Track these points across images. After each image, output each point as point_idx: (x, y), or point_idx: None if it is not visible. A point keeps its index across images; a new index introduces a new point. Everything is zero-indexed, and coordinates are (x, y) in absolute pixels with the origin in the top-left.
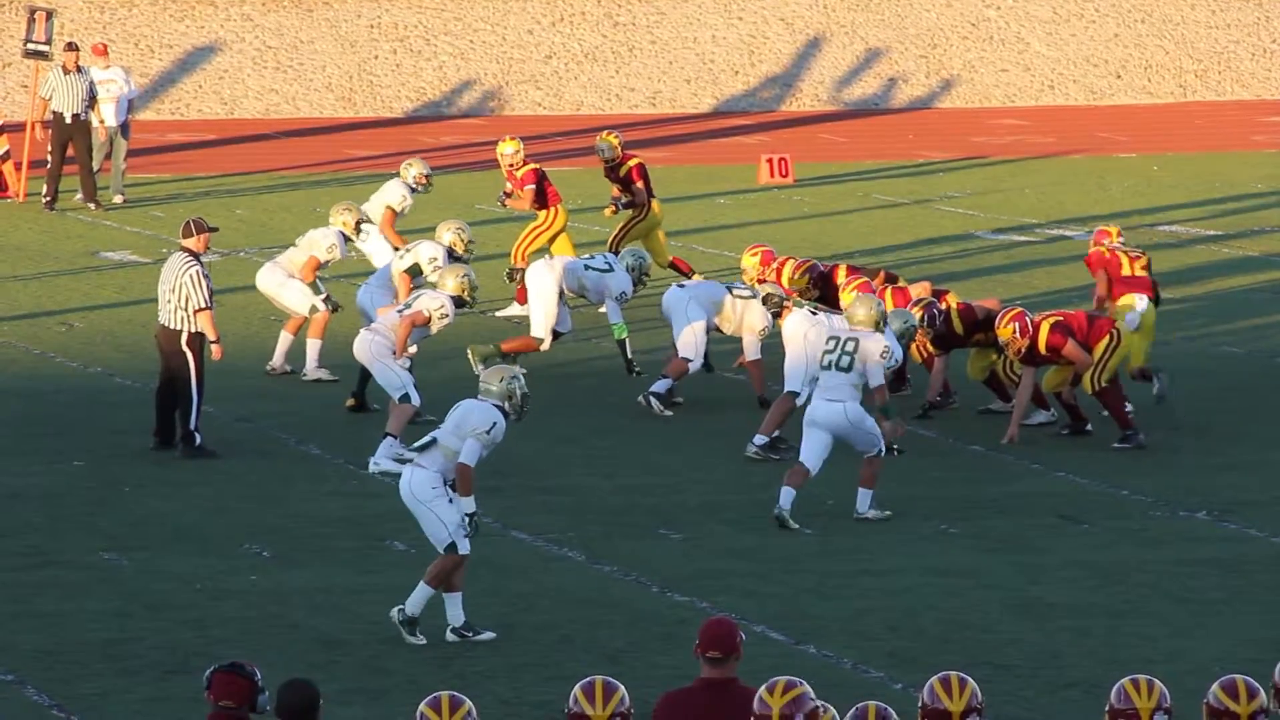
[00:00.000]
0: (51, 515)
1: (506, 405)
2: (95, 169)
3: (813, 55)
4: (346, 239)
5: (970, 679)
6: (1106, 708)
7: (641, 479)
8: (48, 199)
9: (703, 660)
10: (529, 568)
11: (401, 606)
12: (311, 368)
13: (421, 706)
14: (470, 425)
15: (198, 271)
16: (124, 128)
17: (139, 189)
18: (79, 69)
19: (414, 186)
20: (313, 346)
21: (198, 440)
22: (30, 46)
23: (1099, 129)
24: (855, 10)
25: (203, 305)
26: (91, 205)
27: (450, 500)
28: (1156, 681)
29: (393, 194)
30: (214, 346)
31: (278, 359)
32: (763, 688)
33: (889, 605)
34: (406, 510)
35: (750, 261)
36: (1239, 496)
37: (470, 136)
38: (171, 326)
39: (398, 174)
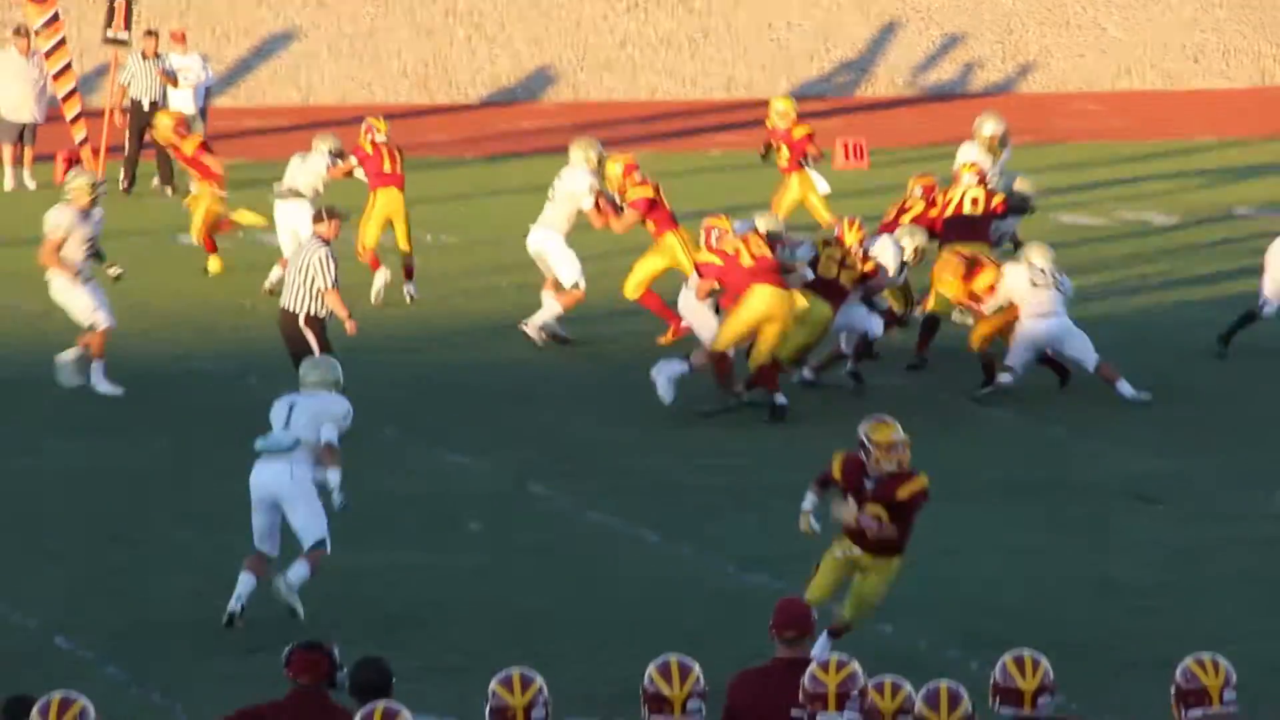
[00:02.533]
0: (131, 495)
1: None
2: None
3: (888, 40)
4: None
5: (1043, 658)
6: (1173, 688)
7: (715, 460)
8: (125, 184)
9: (778, 640)
10: (603, 549)
11: (285, 584)
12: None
13: (493, 684)
14: (330, 415)
15: (326, 254)
16: (201, 113)
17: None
18: (157, 55)
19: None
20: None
21: None
22: (110, 34)
23: (1175, 114)
24: None
25: (328, 285)
26: (168, 190)
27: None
28: (1222, 659)
29: None
30: (348, 324)
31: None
32: (814, 665)
33: (965, 585)
34: (480, 492)
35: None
36: None
37: (545, 122)
38: (290, 309)
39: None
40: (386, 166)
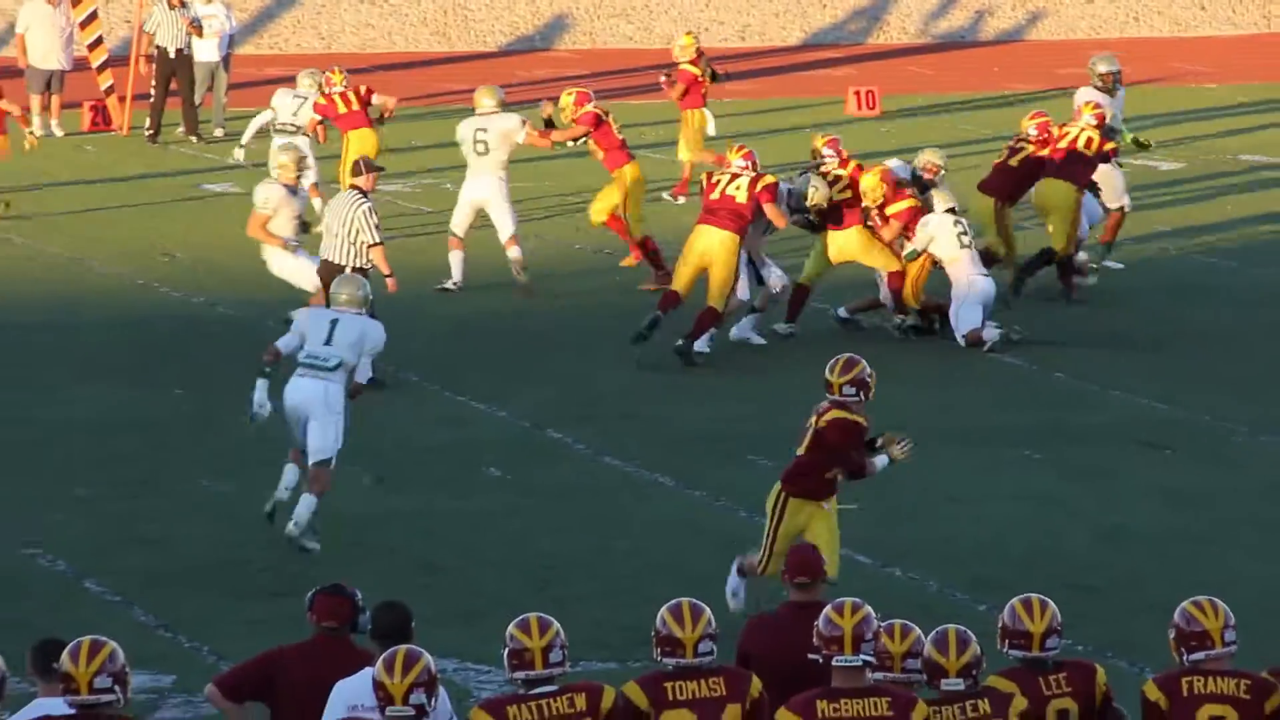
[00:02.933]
0: (156, 442)
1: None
2: (197, 103)
3: None
4: None
5: (1051, 601)
6: (1173, 631)
7: (730, 408)
8: (150, 132)
9: (790, 585)
10: (621, 494)
11: (295, 525)
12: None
13: (511, 628)
14: (370, 344)
15: (368, 208)
16: (225, 62)
17: (239, 122)
18: (183, 4)
19: None
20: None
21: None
22: None
23: (1182, 60)
24: None
25: (375, 240)
26: (193, 138)
27: None
28: (1220, 602)
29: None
30: (389, 280)
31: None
32: (829, 608)
33: (973, 530)
34: (499, 438)
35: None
36: None
37: (563, 70)
38: (336, 261)
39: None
40: (341, 108)
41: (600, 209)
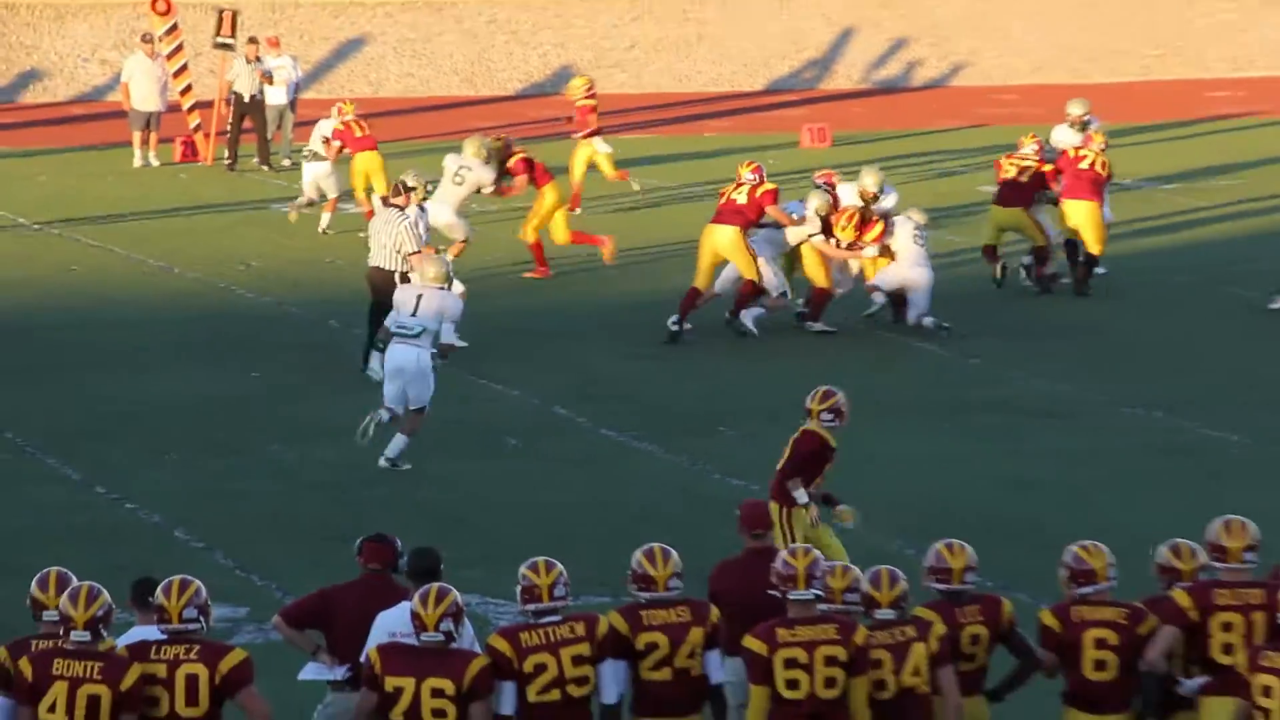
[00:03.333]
0: (234, 415)
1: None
2: (268, 138)
3: (846, 43)
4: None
5: (967, 544)
6: (1064, 570)
7: (708, 386)
8: (229, 162)
9: (747, 535)
10: (615, 458)
11: (388, 456)
12: None
13: (523, 568)
14: (451, 314)
15: (409, 224)
16: (292, 105)
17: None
18: (258, 59)
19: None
20: None
21: None
22: (219, 40)
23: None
24: (880, 7)
25: (414, 249)
26: (265, 168)
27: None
28: (1102, 545)
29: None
30: None
31: None
32: (783, 552)
33: (902, 487)
34: (515, 413)
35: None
36: (1184, 396)
37: (567, 111)
38: (386, 268)
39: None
40: (358, 133)
41: (553, 229)
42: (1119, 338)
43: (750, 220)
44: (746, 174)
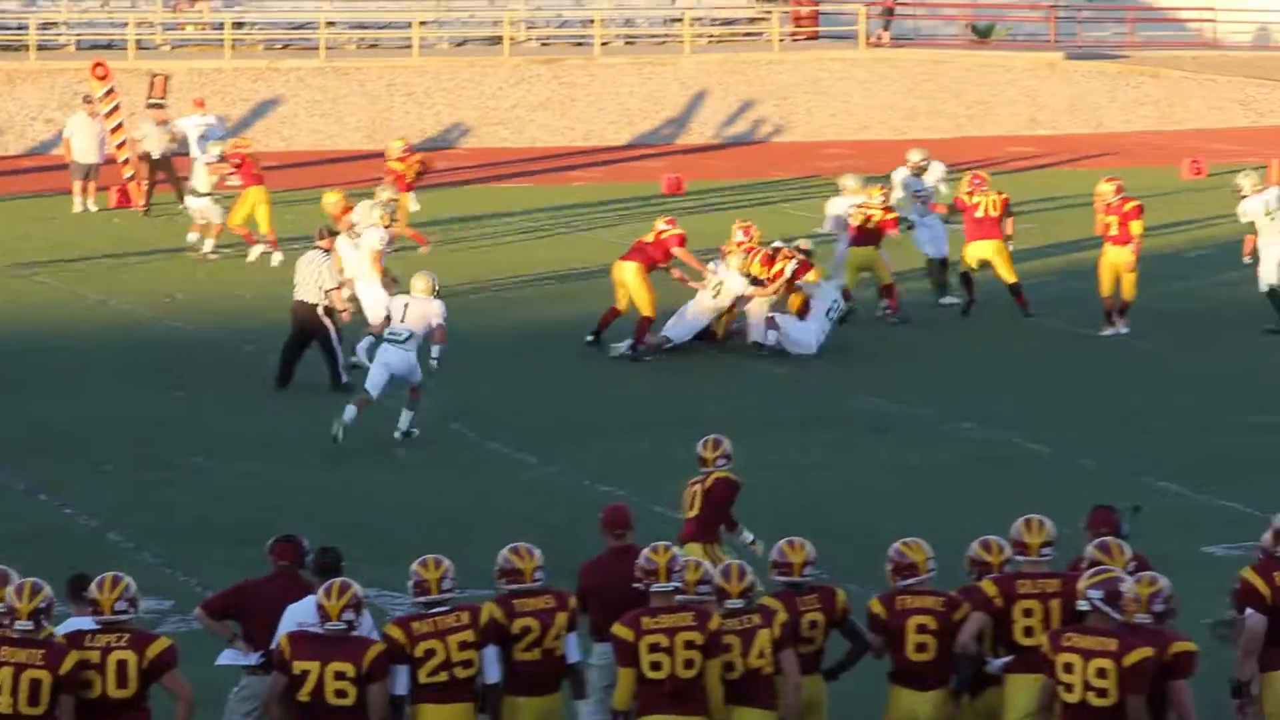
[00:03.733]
0: (161, 431)
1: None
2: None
3: (700, 104)
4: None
5: (807, 541)
6: (889, 564)
7: (580, 403)
8: (144, 207)
9: (610, 536)
10: (497, 467)
11: (400, 428)
12: None
13: (414, 565)
14: (434, 318)
15: (330, 264)
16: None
17: (228, 200)
18: (165, 122)
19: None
20: None
21: (344, 379)
22: (151, 101)
23: (899, 155)
24: (729, 73)
25: (333, 286)
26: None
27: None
28: (923, 541)
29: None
30: (343, 314)
31: None
32: (646, 550)
33: (752, 493)
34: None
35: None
36: (1000, 413)
37: (460, 162)
38: (309, 301)
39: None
40: (255, 170)
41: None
42: (943, 361)
43: (653, 259)
44: (661, 224)
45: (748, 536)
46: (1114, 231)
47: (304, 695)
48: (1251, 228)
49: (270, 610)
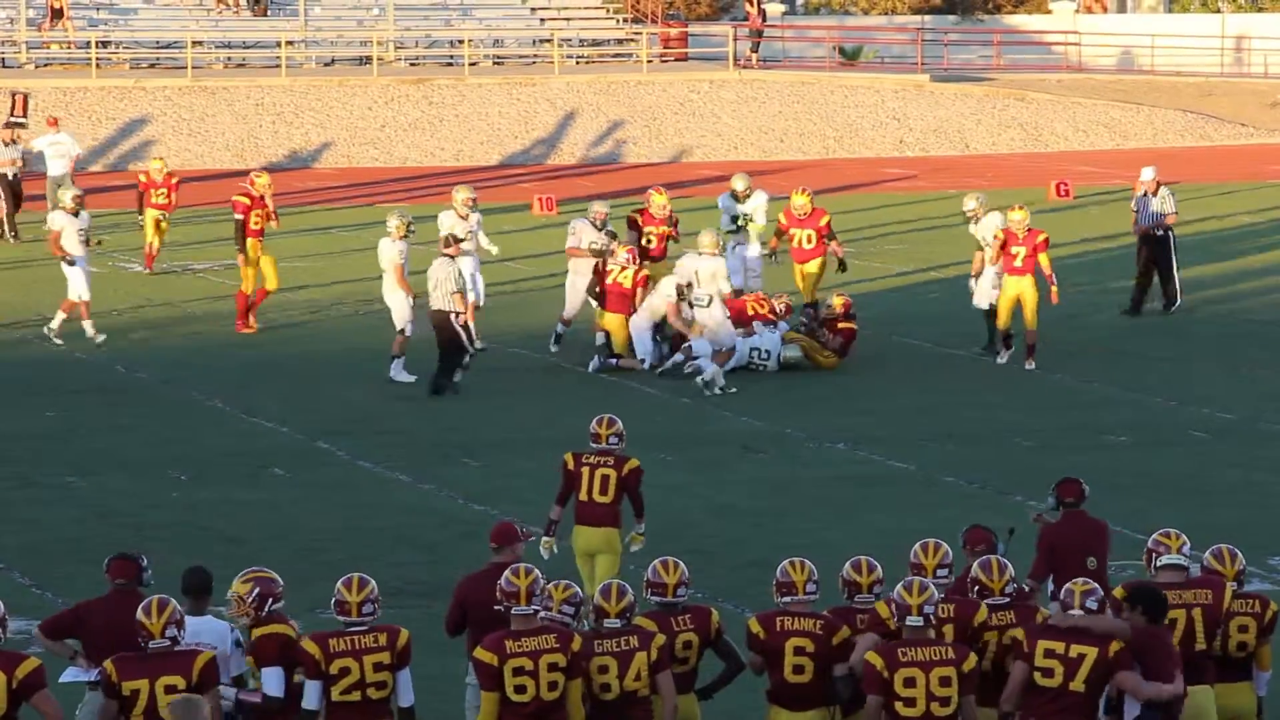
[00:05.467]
0: (32, 450)
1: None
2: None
3: (570, 125)
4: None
5: (680, 561)
6: (774, 584)
7: (453, 422)
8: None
9: (493, 550)
10: (372, 487)
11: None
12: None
13: (338, 584)
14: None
15: (454, 270)
16: (70, 177)
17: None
18: (13, 141)
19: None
20: None
21: (448, 390)
22: (12, 119)
23: (768, 177)
24: (599, 94)
25: (456, 290)
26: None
27: None
28: (807, 561)
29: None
30: (462, 317)
31: None
32: (508, 571)
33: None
34: (284, 447)
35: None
36: (868, 433)
37: (326, 182)
38: (443, 309)
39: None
40: (158, 194)
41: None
42: (813, 381)
43: (632, 303)
44: (623, 254)
45: (640, 527)
46: (1018, 263)
47: (138, 715)
48: (980, 245)
49: (108, 628)
